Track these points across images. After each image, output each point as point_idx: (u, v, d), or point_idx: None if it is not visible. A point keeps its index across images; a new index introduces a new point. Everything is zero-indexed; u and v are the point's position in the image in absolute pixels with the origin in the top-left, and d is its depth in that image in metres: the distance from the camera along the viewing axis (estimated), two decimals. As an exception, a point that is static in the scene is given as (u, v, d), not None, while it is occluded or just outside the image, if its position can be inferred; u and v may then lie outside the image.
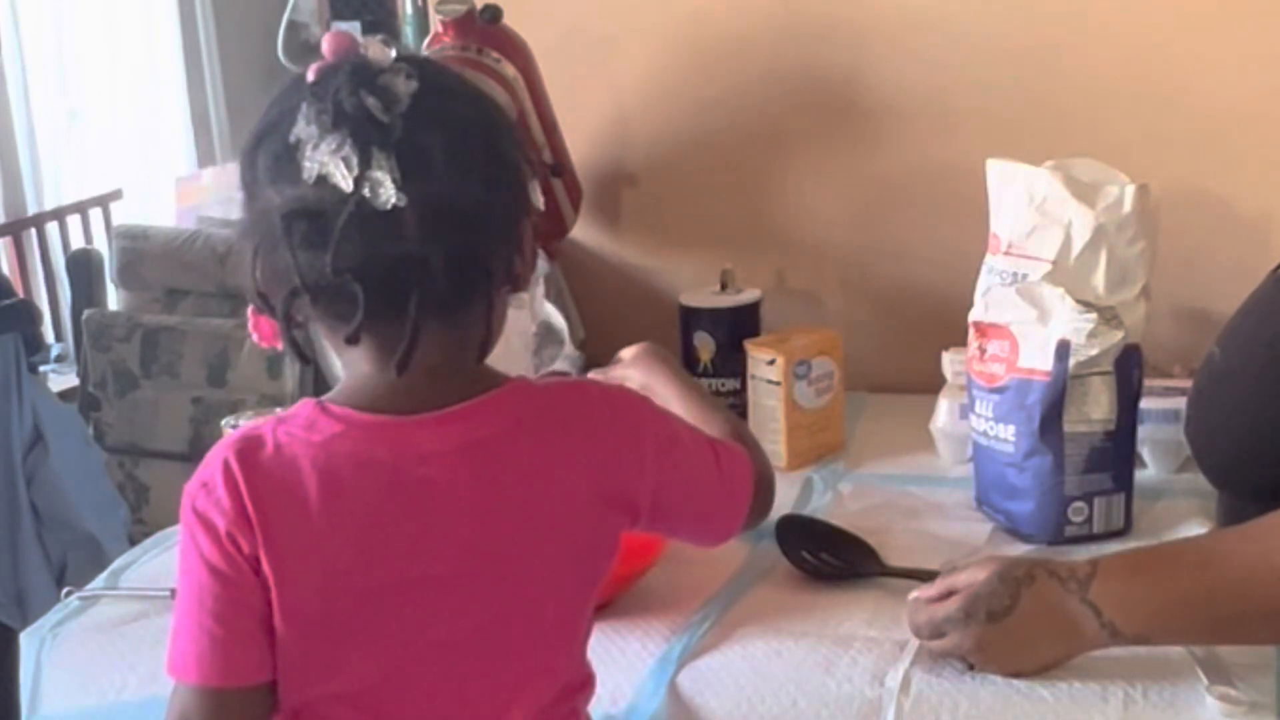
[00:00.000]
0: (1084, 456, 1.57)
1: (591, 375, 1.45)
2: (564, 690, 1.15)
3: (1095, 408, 1.55)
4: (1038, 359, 1.56)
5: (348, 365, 1.11)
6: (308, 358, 1.09)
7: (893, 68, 2.04)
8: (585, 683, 1.19)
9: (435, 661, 1.10)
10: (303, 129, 1.03)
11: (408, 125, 1.03)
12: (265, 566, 1.06)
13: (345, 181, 1.02)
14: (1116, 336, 1.54)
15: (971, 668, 1.32)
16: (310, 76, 1.06)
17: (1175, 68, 1.88)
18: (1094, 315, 1.54)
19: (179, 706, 1.09)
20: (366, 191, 1.02)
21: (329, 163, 1.02)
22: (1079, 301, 1.54)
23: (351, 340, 1.06)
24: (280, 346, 1.10)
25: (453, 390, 1.09)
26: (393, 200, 1.02)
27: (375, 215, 1.02)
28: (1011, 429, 1.59)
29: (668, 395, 1.33)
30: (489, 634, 1.10)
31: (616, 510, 1.14)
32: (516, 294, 1.14)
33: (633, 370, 1.40)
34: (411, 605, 1.08)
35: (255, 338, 1.15)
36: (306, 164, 1.03)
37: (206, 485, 1.07)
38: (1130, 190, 1.55)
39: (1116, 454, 1.57)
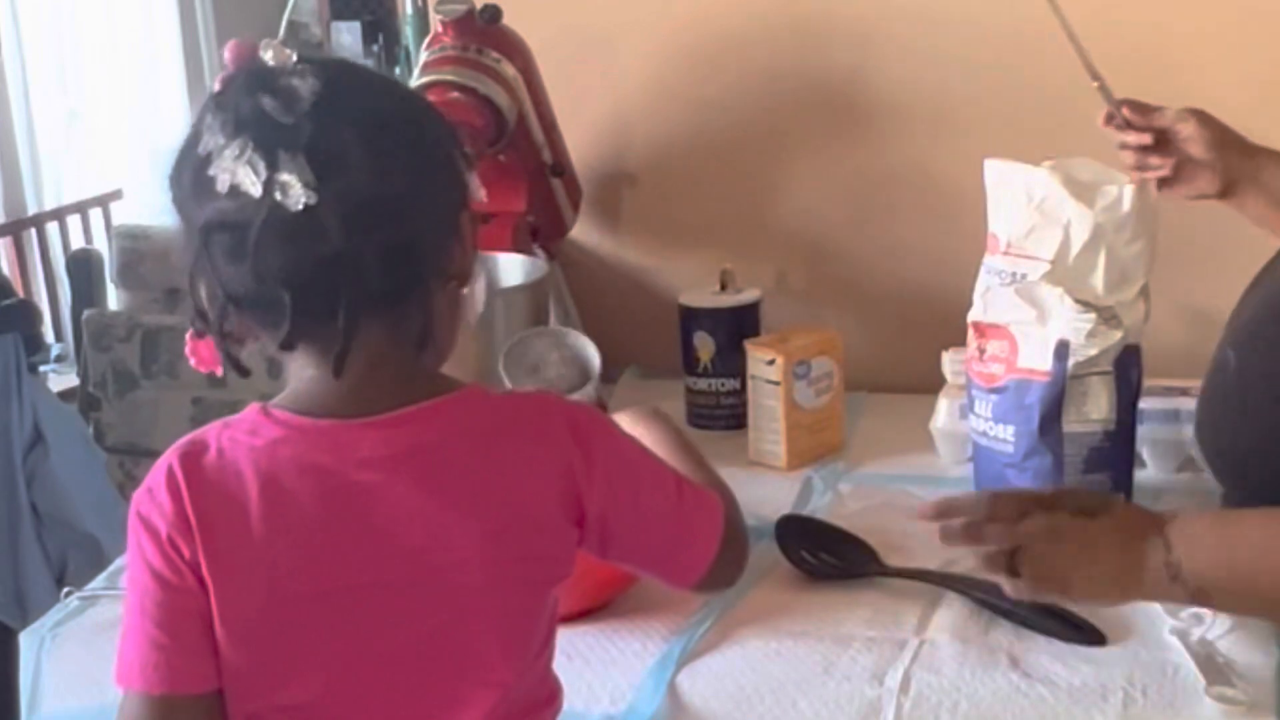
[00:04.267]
0: (1083, 457, 1.57)
1: None
2: (520, 706, 1.12)
3: (1095, 408, 1.55)
4: (1037, 359, 1.56)
5: (292, 370, 1.10)
6: (247, 372, 1.08)
7: (893, 67, 2.04)
8: (548, 699, 1.16)
9: (380, 672, 1.08)
10: (209, 140, 1.02)
11: (315, 124, 1.02)
12: (205, 572, 1.05)
13: (254, 187, 1.01)
14: (1115, 336, 1.54)
15: (1016, 575, 1.25)
16: (216, 87, 1.05)
17: (1176, 68, 1.88)
18: (1093, 315, 1.54)
19: (127, 715, 1.07)
20: (278, 195, 1.01)
21: (237, 170, 1.01)
22: (1078, 301, 1.54)
23: (286, 346, 1.05)
24: (219, 371, 1.10)
25: (398, 393, 1.07)
26: (303, 201, 1.01)
27: (292, 218, 1.01)
28: (1011, 429, 1.59)
29: (653, 445, 1.25)
30: (433, 645, 1.08)
31: (566, 523, 1.10)
32: (463, 288, 1.12)
33: (623, 420, 1.32)
34: (354, 614, 1.07)
35: (193, 362, 1.13)
36: (219, 175, 1.02)
37: (151, 490, 1.08)
38: (1129, 190, 1.55)
39: (1116, 454, 1.57)
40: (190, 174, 1.05)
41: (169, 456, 1.08)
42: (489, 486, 1.07)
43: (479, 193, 1.13)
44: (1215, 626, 1.37)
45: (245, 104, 1.02)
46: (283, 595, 1.06)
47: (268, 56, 1.05)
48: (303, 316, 1.03)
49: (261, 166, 1.01)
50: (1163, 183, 1.58)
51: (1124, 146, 1.59)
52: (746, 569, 1.54)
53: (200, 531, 1.05)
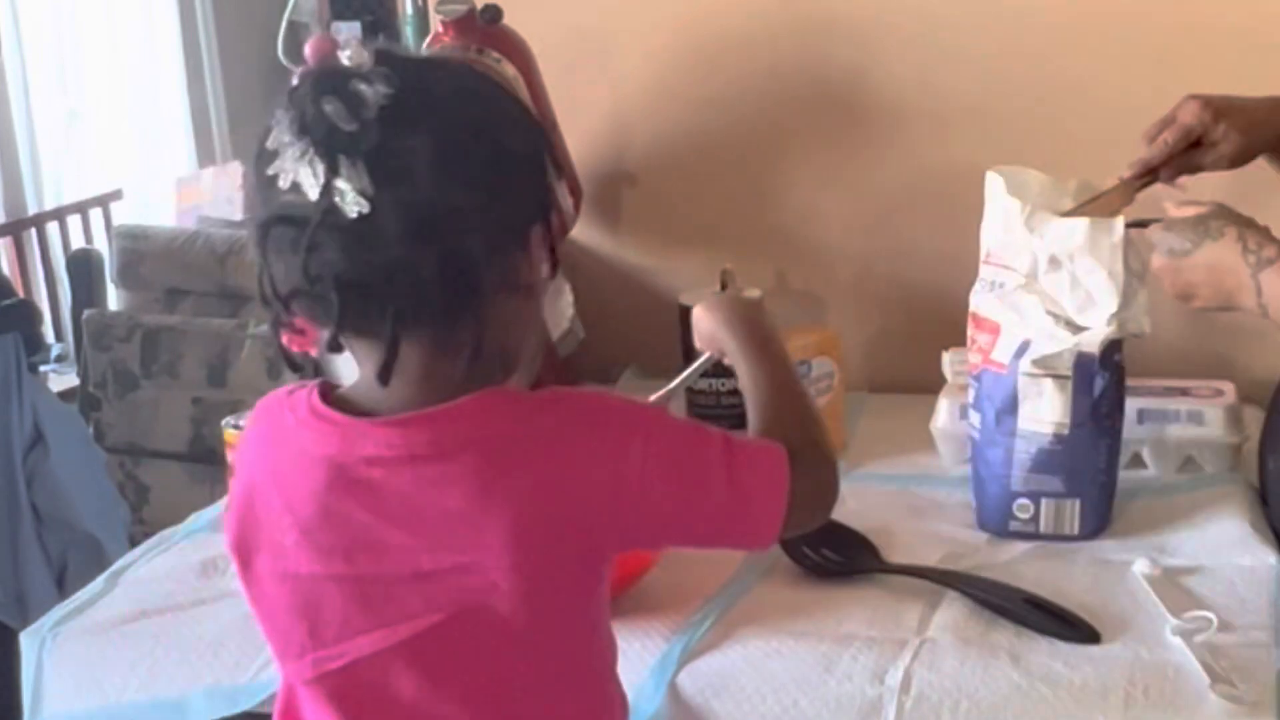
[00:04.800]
0: (1031, 455, 1.57)
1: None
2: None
3: (1049, 409, 1.56)
4: (1005, 354, 1.57)
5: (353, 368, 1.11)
6: (297, 365, 1.10)
7: (894, 67, 2.04)
8: (605, 710, 1.16)
9: (394, 657, 1.09)
10: (276, 136, 1.03)
11: (379, 131, 1.01)
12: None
13: (312, 189, 1.01)
14: (1070, 341, 1.54)
15: None
16: (294, 82, 1.05)
17: (1177, 68, 1.87)
18: (1058, 320, 1.54)
19: None
20: (335, 199, 1.01)
21: (298, 170, 1.01)
22: (1049, 313, 1.55)
23: (332, 347, 1.05)
24: (314, 351, 1.12)
25: (421, 396, 1.07)
26: (357, 210, 1.01)
27: (347, 223, 1.01)
28: (979, 416, 1.61)
29: (736, 364, 1.27)
30: (428, 650, 1.08)
31: (594, 529, 1.08)
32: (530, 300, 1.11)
33: (704, 321, 1.32)
34: (359, 602, 1.08)
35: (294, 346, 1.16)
36: (282, 171, 1.02)
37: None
38: (1083, 224, 1.54)
39: (1069, 459, 1.57)
40: (260, 166, 1.05)
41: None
42: (501, 494, 1.05)
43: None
44: (1217, 627, 1.37)
45: (311, 105, 1.02)
46: (286, 570, 1.10)
47: (345, 56, 1.04)
48: (350, 319, 1.04)
49: (321, 170, 1.01)
50: (1190, 168, 1.63)
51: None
52: (748, 567, 1.55)
53: (239, 475, 1.14)
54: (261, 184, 1.05)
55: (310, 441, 1.08)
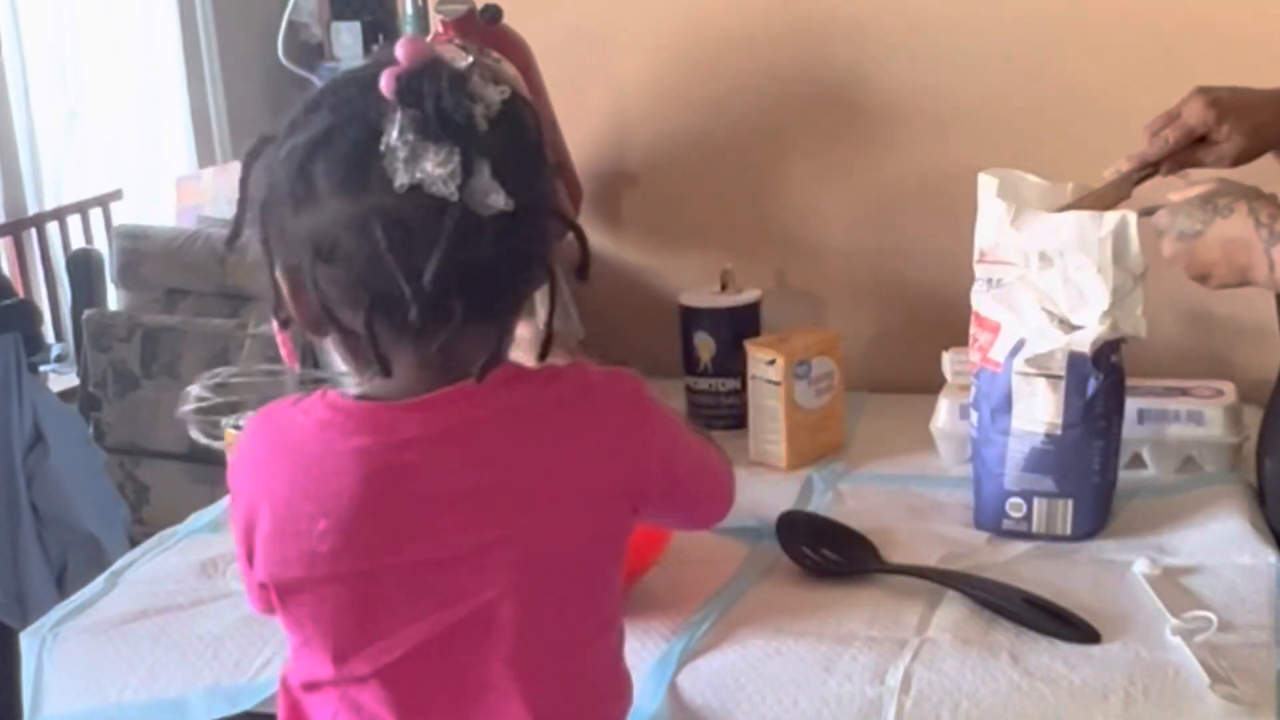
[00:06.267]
0: (1024, 454, 1.57)
1: None
2: (580, 691, 1.14)
3: (1042, 409, 1.56)
4: (1002, 353, 1.57)
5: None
6: (390, 370, 1.07)
7: (894, 67, 2.04)
8: (616, 693, 1.18)
9: (428, 649, 1.09)
10: (396, 138, 1.01)
11: (496, 131, 1.03)
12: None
13: (449, 189, 1.01)
14: (1062, 340, 1.54)
15: None
16: (390, 83, 1.03)
17: (1178, 69, 1.87)
18: (1052, 318, 1.54)
19: None
20: (469, 199, 1.01)
21: (434, 172, 1.01)
22: (1044, 310, 1.55)
23: (439, 348, 1.05)
24: (296, 366, 1.12)
25: (439, 376, 1.08)
26: (500, 206, 1.02)
27: (474, 223, 1.02)
28: (976, 415, 1.62)
29: None
30: (476, 622, 1.09)
31: (620, 499, 1.13)
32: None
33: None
34: (398, 593, 1.08)
35: (285, 353, 1.16)
36: (400, 172, 1.01)
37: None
38: (1071, 218, 1.54)
39: (1062, 459, 1.57)
40: (340, 166, 1.03)
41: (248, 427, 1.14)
42: (534, 463, 1.08)
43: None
44: (1217, 627, 1.37)
45: (453, 106, 1.02)
46: (321, 575, 1.08)
47: (450, 56, 1.05)
48: (469, 317, 1.04)
49: (459, 170, 1.01)
50: (1191, 164, 1.62)
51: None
52: (748, 567, 1.56)
53: (247, 506, 1.11)
54: (344, 187, 1.03)
55: (338, 437, 1.08)
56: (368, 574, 1.08)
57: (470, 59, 1.05)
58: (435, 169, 1.01)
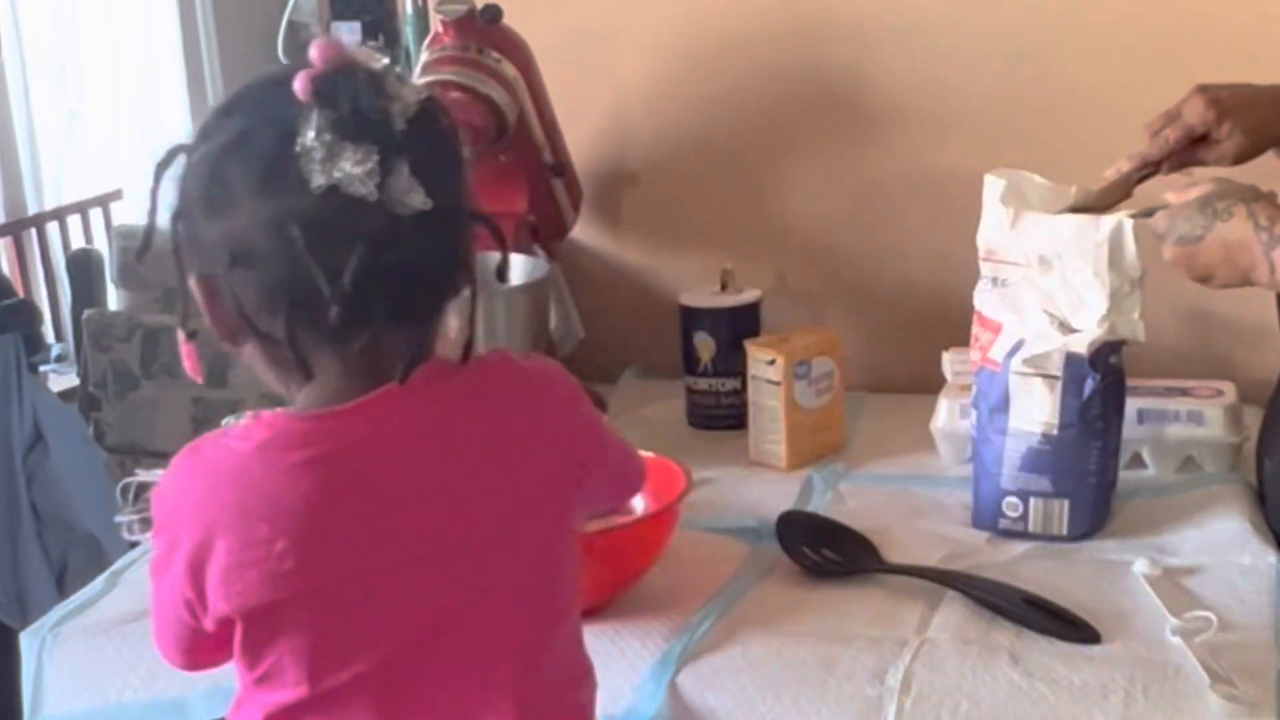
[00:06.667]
0: (1021, 454, 1.58)
1: None
2: (554, 678, 1.14)
3: (1038, 409, 1.56)
4: (1001, 353, 1.57)
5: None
6: (312, 374, 1.07)
7: (894, 67, 2.04)
8: (583, 677, 1.18)
9: (409, 652, 1.08)
10: (312, 138, 1.01)
11: (413, 131, 1.03)
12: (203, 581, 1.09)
13: (368, 189, 1.01)
14: (1059, 340, 1.54)
15: None
16: (305, 85, 1.02)
17: (1179, 69, 1.87)
18: (1052, 320, 1.54)
19: None
20: (387, 198, 1.01)
21: (351, 171, 1.00)
22: (1044, 311, 1.55)
23: (361, 349, 1.05)
24: (200, 379, 1.11)
25: (373, 380, 1.08)
26: (419, 205, 1.02)
27: (394, 223, 1.02)
28: (975, 414, 1.63)
29: None
30: (454, 623, 1.09)
31: (567, 473, 1.14)
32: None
33: None
34: (372, 600, 1.07)
35: (187, 366, 1.14)
36: (314, 172, 1.01)
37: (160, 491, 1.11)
38: (1068, 223, 1.54)
39: (1059, 460, 1.57)
40: (256, 169, 1.03)
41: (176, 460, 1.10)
42: (483, 451, 1.09)
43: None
44: (1217, 627, 1.37)
45: (369, 106, 1.02)
46: (288, 595, 1.06)
47: (366, 59, 1.04)
48: (390, 318, 1.04)
49: (377, 170, 1.01)
50: (1192, 163, 1.63)
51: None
52: (748, 567, 1.56)
53: (194, 544, 1.07)
54: (264, 189, 1.03)
55: (279, 454, 1.06)
56: (336, 586, 1.07)
57: (385, 60, 1.06)
58: (353, 168, 1.01)
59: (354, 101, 1.02)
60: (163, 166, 1.09)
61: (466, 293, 1.09)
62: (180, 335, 1.13)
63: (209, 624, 1.10)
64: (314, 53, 1.04)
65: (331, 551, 1.06)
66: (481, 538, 1.09)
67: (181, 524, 1.08)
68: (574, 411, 1.16)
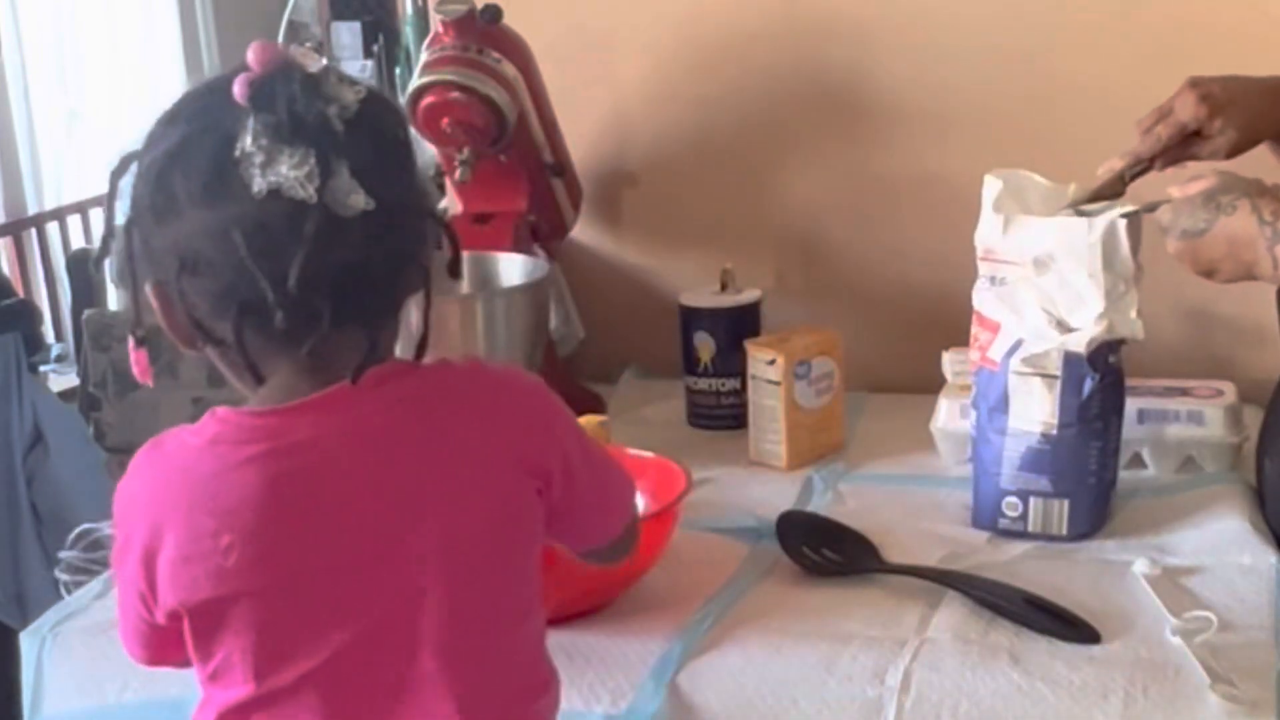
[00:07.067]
0: (1020, 454, 1.58)
1: None
2: (507, 688, 1.12)
3: (1038, 409, 1.56)
4: (1000, 352, 1.57)
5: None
6: (263, 379, 1.08)
7: (894, 66, 2.04)
8: (542, 686, 1.16)
9: (352, 654, 1.07)
10: (250, 143, 1.01)
11: (354, 132, 1.03)
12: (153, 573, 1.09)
13: (308, 192, 1.01)
14: (1058, 341, 1.54)
15: None
16: (242, 89, 1.02)
17: (1179, 68, 1.87)
18: (1050, 319, 1.54)
19: None
20: (329, 200, 1.01)
21: (290, 175, 1.00)
22: (1043, 310, 1.55)
23: (311, 350, 1.05)
24: (151, 382, 1.12)
25: (327, 380, 1.08)
26: (362, 206, 1.02)
27: (336, 225, 1.02)
28: (974, 414, 1.63)
29: None
30: (397, 625, 1.07)
31: (525, 476, 1.11)
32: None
33: None
34: (314, 602, 1.07)
35: (136, 371, 1.15)
36: (254, 176, 1.01)
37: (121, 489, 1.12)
38: (1060, 225, 1.54)
39: (1058, 460, 1.57)
40: (198, 175, 1.03)
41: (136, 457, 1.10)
42: (435, 450, 1.08)
43: (439, 199, 1.16)
44: (1217, 627, 1.37)
45: (306, 109, 1.02)
46: (233, 591, 1.06)
47: (303, 61, 1.04)
48: (336, 321, 1.04)
49: (317, 173, 1.01)
50: (1185, 158, 1.63)
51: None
52: (748, 567, 1.56)
53: (146, 536, 1.07)
54: (205, 196, 1.03)
55: (229, 449, 1.06)
56: (280, 583, 1.06)
57: (323, 61, 1.05)
58: (291, 171, 1.00)
59: (289, 104, 1.02)
60: (117, 174, 1.08)
61: (422, 292, 1.10)
62: (130, 341, 1.13)
63: (160, 617, 1.10)
64: (251, 56, 1.04)
65: (276, 548, 1.06)
66: (423, 540, 1.07)
67: (136, 517, 1.09)
68: (536, 421, 1.13)
